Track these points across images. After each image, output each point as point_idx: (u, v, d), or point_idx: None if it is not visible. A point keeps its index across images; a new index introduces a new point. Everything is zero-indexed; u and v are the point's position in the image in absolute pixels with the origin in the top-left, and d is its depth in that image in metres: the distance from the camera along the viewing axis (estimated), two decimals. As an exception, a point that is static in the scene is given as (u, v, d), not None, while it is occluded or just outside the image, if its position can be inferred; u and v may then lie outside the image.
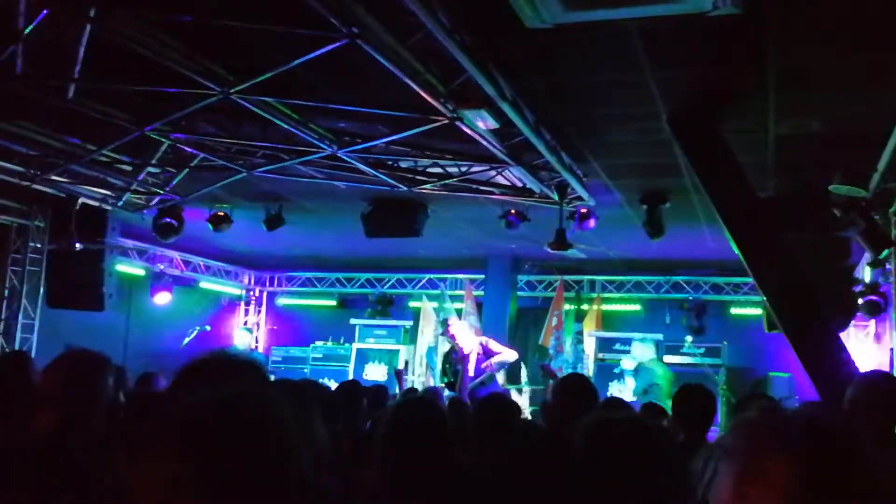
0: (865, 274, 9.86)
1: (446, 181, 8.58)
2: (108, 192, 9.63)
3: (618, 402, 4.97)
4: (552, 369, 10.72)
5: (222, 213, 10.59)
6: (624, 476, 2.05)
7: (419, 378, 13.86)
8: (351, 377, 13.04)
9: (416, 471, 2.58)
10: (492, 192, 8.90)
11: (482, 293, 14.16)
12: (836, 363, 6.47)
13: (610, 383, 12.35)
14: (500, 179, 8.71)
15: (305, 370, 14.14)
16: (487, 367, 8.84)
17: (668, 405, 6.09)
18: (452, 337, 9.20)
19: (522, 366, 12.22)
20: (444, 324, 9.80)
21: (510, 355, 9.22)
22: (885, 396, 3.13)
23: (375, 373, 13.72)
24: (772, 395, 5.09)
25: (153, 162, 8.56)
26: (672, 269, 13.82)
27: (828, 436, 1.11)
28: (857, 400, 3.09)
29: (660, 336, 12.78)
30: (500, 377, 9.75)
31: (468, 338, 9.22)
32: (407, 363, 13.87)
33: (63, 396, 3.08)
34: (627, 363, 11.16)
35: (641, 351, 10.84)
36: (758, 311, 12.80)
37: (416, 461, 2.59)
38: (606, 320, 14.18)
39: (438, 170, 8.54)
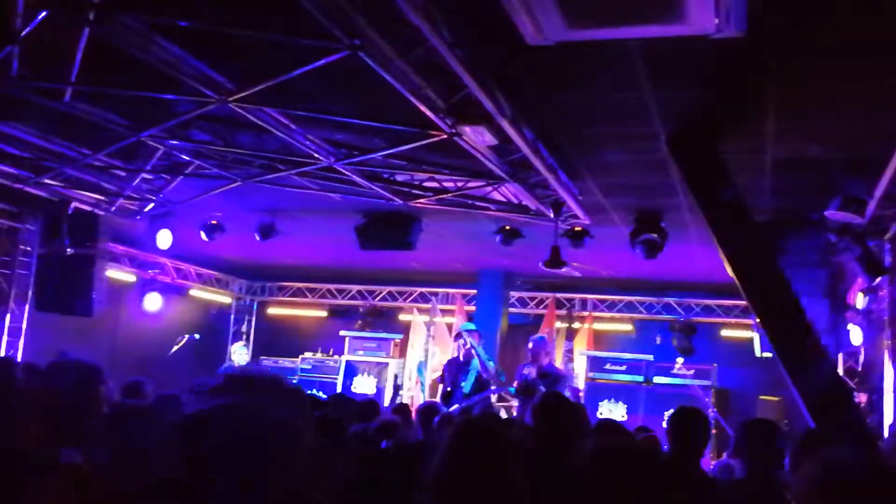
0: (858, 300, 9.85)
1: (442, 196, 8.56)
2: (101, 197, 9.57)
3: (613, 426, 4.91)
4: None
5: (215, 221, 10.54)
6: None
7: (408, 392, 13.79)
8: (339, 389, 12.98)
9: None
10: (487, 208, 8.88)
11: (474, 308, 14.12)
12: (828, 388, 6.46)
13: (600, 403, 12.32)
14: (495, 195, 8.69)
15: (294, 381, 14.04)
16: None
17: None
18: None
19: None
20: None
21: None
22: None
23: (364, 385, 13.64)
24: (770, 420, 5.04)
25: (148, 168, 8.51)
26: (664, 289, 13.83)
27: None
28: None
29: (650, 357, 12.77)
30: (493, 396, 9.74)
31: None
32: (396, 377, 13.80)
33: (55, 407, 3.02)
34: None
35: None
36: (748, 334, 12.79)
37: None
38: (597, 339, 14.16)
39: (434, 184, 8.51)
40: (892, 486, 2.13)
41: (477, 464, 2.21)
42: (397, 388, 13.41)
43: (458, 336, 9.51)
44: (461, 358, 9.27)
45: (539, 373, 8.84)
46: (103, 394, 3.09)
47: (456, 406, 8.65)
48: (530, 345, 9.30)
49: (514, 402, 11.16)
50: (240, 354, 11.27)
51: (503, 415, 10.09)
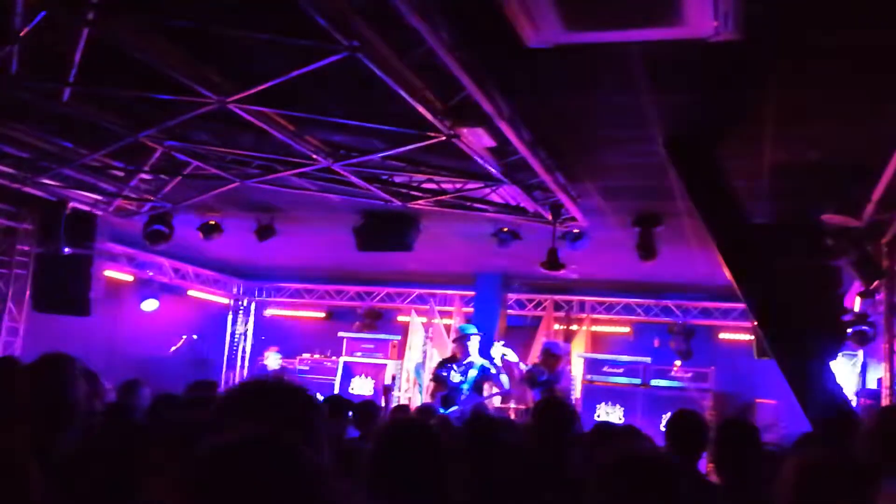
0: (855, 303, 9.87)
1: (440, 197, 8.56)
2: (99, 197, 9.56)
3: (613, 430, 4.91)
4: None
5: (213, 222, 10.54)
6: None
7: (406, 393, 13.78)
8: (337, 391, 12.97)
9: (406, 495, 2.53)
10: (485, 210, 8.89)
11: (472, 310, 14.12)
12: (825, 391, 6.47)
13: (597, 405, 12.31)
14: (493, 197, 8.69)
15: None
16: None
17: None
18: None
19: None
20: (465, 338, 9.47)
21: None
22: None
23: (362, 387, 13.63)
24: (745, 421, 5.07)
25: (146, 168, 8.50)
26: (662, 292, 13.83)
27: None
28: (877, 432, 3.03)
29: (648, 359, 12.77)
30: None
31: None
32: (394, 378, 13.80)
33: (34, 403, 3.01)
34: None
35: None
36: (746, 337, 12.81)
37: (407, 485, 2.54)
38: (595, 342, 14.16)
39: (433, 185, 8.51)
40: (863, 483, 2.14)
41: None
42: (389, 389, 13.38)
43: (461, 338, 9.43)
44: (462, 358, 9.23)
45: (543, 381, 8.87)
46: (81, 382, 3.08)
47: (455, 408, 8.63)
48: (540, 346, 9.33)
49: (511, 405, 11.18)
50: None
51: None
